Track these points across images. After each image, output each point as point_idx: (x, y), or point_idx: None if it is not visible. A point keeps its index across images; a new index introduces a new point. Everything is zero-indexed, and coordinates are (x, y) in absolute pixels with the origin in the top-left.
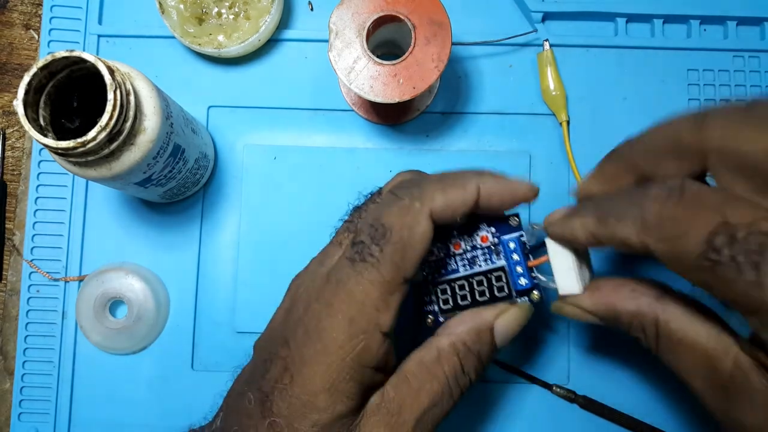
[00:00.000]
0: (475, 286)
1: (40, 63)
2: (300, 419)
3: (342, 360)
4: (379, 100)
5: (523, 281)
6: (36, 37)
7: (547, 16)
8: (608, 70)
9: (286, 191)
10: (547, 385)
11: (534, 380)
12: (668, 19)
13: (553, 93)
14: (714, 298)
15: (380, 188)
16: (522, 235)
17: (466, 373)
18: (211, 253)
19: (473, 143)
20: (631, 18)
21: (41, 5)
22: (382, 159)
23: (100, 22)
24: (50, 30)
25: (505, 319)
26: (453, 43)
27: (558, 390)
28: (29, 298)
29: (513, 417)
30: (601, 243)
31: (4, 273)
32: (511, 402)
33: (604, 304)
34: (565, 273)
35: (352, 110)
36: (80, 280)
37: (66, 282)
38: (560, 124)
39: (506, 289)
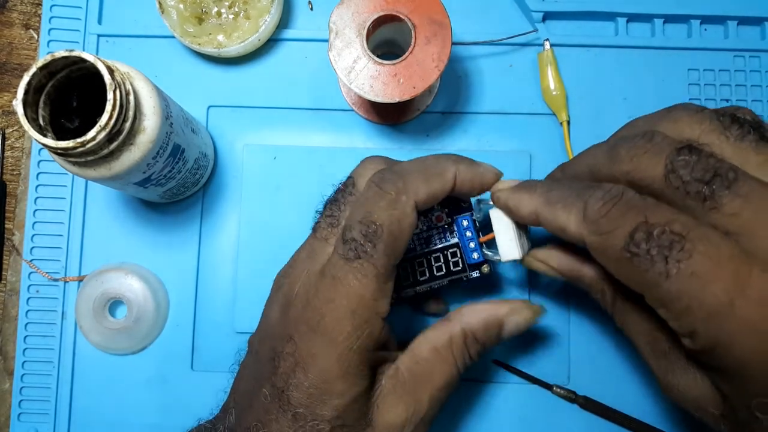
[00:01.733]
0: (433, 263)
1: (40, 63)
2: (321, 406)
3: (350, 350)
4: (379, 99)
5: (475, 255)
6: (35, 36)
7: (547, 16)
8: (608, 70)
9: (286, 191)
10: (547, 386)
11: (534, 380)
12: (669, 18)
13: (554, 93)
14: (632, 289)
15: (351, 177)
16: (473, 214)
17: (471, 357)
18: (211, 253)
19: (473, 143)
20: (632, 18)
21: (41, 5)
22: None
23: (99, 21)
24: (50, 30)
25: (517, 318)
26: (453, 43)
27: (558, 390)
28: (29, 299)
29: (513, 417)
30: (538, 223)
31: (3, 273)
32: (511, 402)
33: (570, 265)
34: (507, 241)
35: (352, 110)
36: (80, 280)
37: (65, 282)
38: (560, 123)
39: (461, 264)
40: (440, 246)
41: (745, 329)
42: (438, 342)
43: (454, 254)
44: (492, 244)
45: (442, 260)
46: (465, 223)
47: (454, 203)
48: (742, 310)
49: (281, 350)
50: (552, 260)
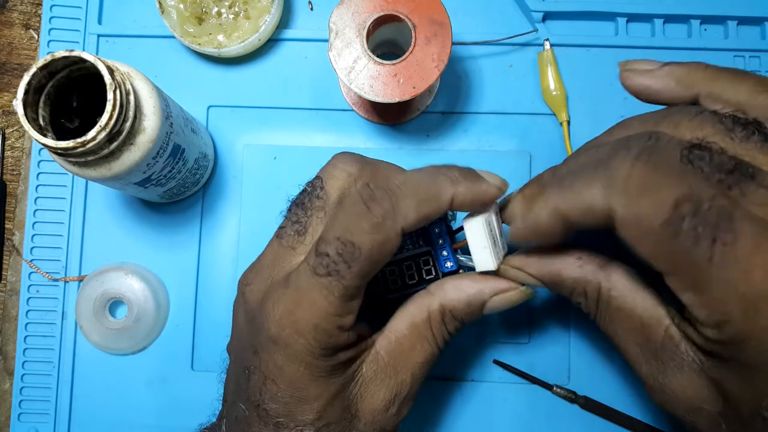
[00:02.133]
0: (405, 270)
1: (40, 63)
2: (300, 412)
3: (315, 359)
4: (379, 100)
5: (449, 264)
6: (36, 36)
7: (547, 16)
8: (608, 70)
9: (286, 191)
10: (547, 386)
11: (534, 380)
12: (669, 18)
13: (554, 93)
14: (657, 271)
15: (318, 177)
16: (446, 220)
17: (450, 333)
18: (211, 253)
19: (473, 143)
20: (632, 18)
21: (41, 5)
22: (382, 159)
23: (99, 21)
24: (50, 30)
25: (502, 299)
26: (453, 43)
27: (558, 390)
28: (29, 299)
29: (513, 417)
30: (568, 221)
31: (3, 273)
32: (511, 402)
33: (549, 270)
34: (481, 251)
35: (352, 110)
36: (80, 280)
37: (66, 282)
38: (561, 124)
39: (434, 272)
40: (412, 253)
41: None
42: (416, 318)
43: (426, 262)
44: (466, 249)
45: (414, 268)
46: (437, 230)
47: None
48: None
49: (248, 364)
50: (530, 267)
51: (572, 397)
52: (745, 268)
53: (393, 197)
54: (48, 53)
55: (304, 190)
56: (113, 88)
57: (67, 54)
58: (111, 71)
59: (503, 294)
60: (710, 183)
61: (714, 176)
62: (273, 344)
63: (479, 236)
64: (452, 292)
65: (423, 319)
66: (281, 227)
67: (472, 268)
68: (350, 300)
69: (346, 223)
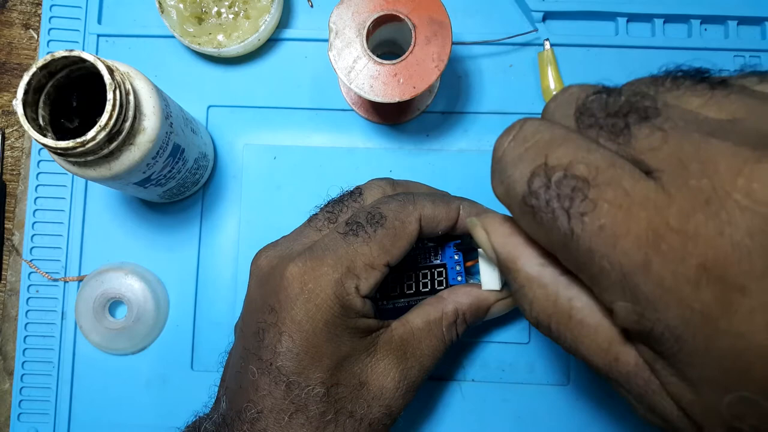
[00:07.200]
0: (421, 278)
1: (40, 63)
2: (313, 370)
3: (334, 316)
4: (379, 99)
5: (459, 278)
6: (35, 36)
7: (547, 16)
8: (609, 70)
9: (286, 191)
10: None
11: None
12: (669, 18)
13: (554, 93)
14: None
15: (359, 187)
16: (462, 241)
17: (458, 334)
18: (211, 253)
19: (473, 143)
20: (632, 17)
21: (41, 5)
22: (382, 159)
23: (99, 21)
24: (50, 29)
25: (503, 304)
26: (453, 43)
27: None
28: (29, 299)
29: (513, 417)
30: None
31: (3, 273)
32: (511, 402)
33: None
34: (489, 272)
35: (352, 110)
36: (80, 280)
37: (65, 282)
38: None
39: (444, 284)
40: (429, 264)
41: (665, 296)
42: (431, 316)
43: (440, 273)
44: (474, 270)
45: (429, 277)
46: (453, 246)
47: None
48: (658, 270)
49: (263, 322)
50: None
51: None
52: (612, 236)
53: (413, 193)
54: (48, 53)
55: (344, 193)
56: (113, 88)
57: (66, 54)
58: (111, 71)
59: (503, 300)
60: (594, 138)
61: (607, 120)
62: (293, 301)
63: (489, 260)
64: (463, 296)
65: (437, 317)
66: (313, 215)
67: (478, 287)
68: (371, 267)
69: (375, 204)
